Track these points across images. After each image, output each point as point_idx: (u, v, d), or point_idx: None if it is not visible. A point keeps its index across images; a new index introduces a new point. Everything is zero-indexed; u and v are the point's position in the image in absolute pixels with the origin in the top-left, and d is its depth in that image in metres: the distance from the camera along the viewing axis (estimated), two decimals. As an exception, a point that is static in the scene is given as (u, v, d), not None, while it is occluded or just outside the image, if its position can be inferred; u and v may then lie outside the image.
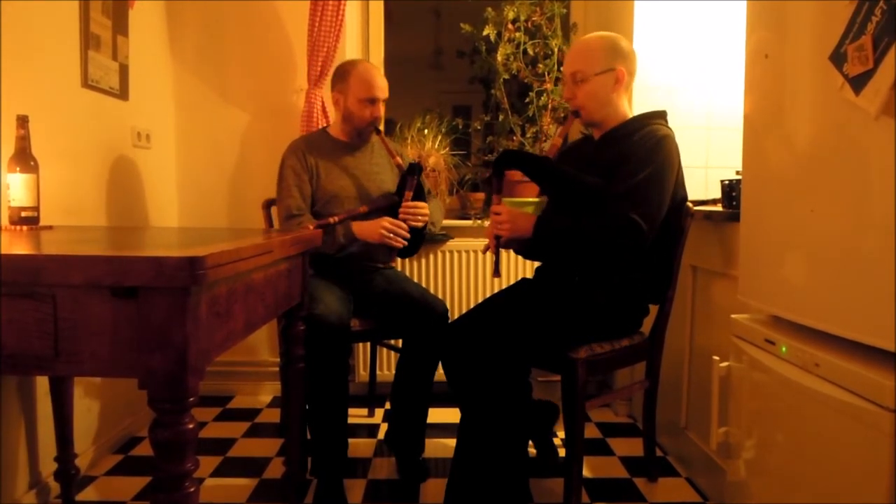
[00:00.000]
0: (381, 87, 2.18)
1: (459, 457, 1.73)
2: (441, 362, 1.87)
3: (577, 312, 1.77)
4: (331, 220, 2.08)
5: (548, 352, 1.78)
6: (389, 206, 2.16)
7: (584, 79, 1.81)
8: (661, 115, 1.87)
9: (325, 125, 2.56)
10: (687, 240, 1.92)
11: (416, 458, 2.10)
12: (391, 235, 2.08)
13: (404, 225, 2.10)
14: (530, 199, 2.00)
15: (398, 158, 2.20)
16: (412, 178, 2.12)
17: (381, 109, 2.21)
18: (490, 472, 1.65)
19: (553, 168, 1.83)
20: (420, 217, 2.14)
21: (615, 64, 1.80)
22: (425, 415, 2.11)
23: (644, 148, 1.72)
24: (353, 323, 2.08)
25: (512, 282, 2.27)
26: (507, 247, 1.85)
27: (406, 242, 2.12)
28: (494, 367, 1.66)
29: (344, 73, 2.18)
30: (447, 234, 2.75)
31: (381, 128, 2.29)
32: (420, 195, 2.18)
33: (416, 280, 2.59)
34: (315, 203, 2.19)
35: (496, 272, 1.93)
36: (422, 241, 2.26)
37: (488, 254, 1.92)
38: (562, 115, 2.75)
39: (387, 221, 2.09)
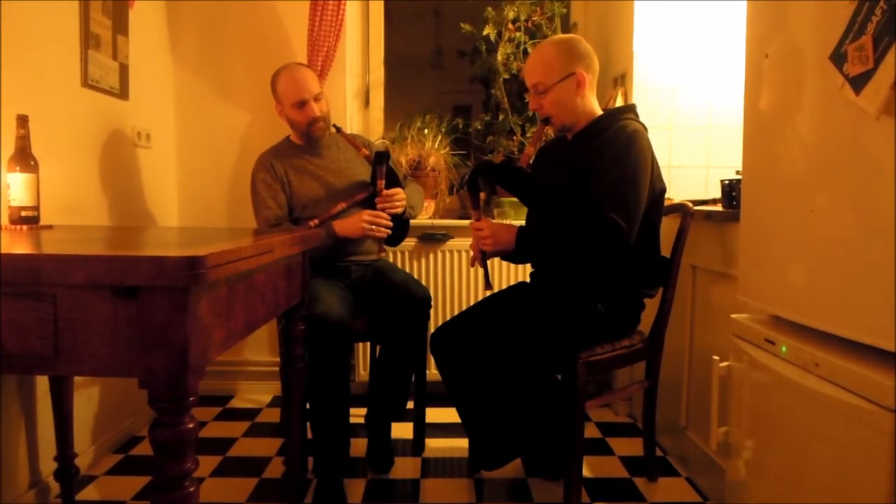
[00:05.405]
0: (308, 87, 2.11)
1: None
2: (435, 360, 1.88)
3: (578, 322, 1.76)
4: (311, 223, 2.08)
5: (549, 356, 1.78)
6: (367, 198, 2.15)
7: (545, 90, 1.81)
8: (630, 109, 1.86)
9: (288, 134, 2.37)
10: (687, 239, 1.93)
11: (387, 445, 2.14)
12: (373, 227, 2.07)
13: (384, 214, 2.10)
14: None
15: (364, 150, 2.17)
16: (381, 167, 2.10)
17: (320, 107, 2.14)
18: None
19: (524, 176, 1.84)
20: (398, 203, 2.13)
21: (573, 68, 1.78)
22: (404, 396, 2.14)
23: (615, 146, 1.70)
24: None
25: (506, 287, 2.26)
26: (494, 256, 1.85)
27: (389, 231, 2.12)
28: (495, 367, 1.67)
29: (273, 84, 2.18)
30: (447, 234, 2.75)
31: (343, 122, 2.25)
32: (393, 181, 2.17)
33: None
34: (293, 210, 2.19)
35: (487, 285, 1.93)
36: (406, 228, 2.26)
37: (477, 266, 1.93)
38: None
39: (367, 214, 2.08)
